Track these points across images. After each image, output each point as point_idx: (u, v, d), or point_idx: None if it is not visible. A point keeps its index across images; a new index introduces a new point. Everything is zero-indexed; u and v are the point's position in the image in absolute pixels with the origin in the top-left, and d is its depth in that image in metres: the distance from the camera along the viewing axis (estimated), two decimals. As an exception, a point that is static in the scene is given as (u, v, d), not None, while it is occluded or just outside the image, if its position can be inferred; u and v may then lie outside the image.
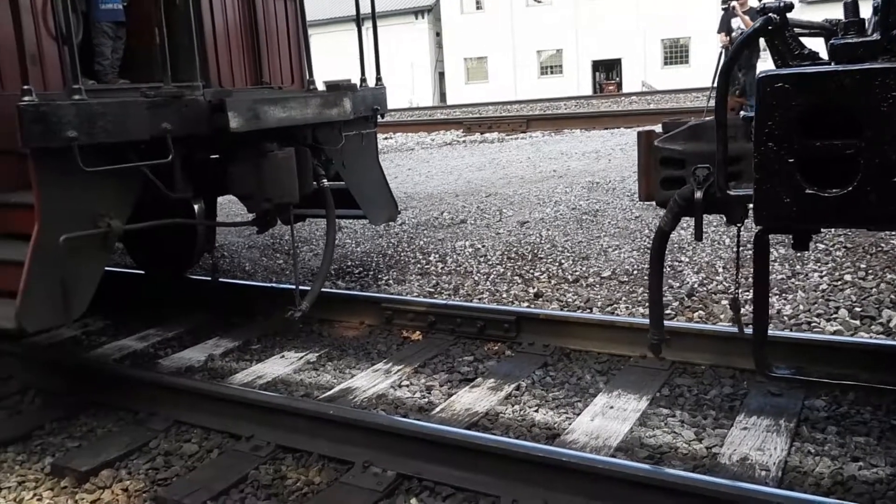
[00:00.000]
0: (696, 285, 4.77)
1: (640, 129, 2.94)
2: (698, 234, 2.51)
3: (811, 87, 2.01)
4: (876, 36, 2.05)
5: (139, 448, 3.39)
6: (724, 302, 4.50)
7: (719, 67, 2.52)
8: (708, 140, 2.34)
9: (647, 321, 4.05)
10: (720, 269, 4.99)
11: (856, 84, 1.96)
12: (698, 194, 2.45)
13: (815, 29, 2.51)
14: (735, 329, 3.90)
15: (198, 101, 3.73)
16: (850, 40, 2.10)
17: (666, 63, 37.65)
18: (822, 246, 5.24)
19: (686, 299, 4.61)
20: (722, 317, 4.31)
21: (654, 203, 2.72)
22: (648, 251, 5.52)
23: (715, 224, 5.81)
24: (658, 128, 2.74)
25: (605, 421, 3.28)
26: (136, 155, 3.56)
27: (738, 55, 2.29)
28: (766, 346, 2.52)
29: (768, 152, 2.08)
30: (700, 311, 4.43)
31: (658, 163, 2.62)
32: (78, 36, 4.27)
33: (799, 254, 5.14)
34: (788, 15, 2.22)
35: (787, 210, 2.09)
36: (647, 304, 4.61)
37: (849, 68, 1.99)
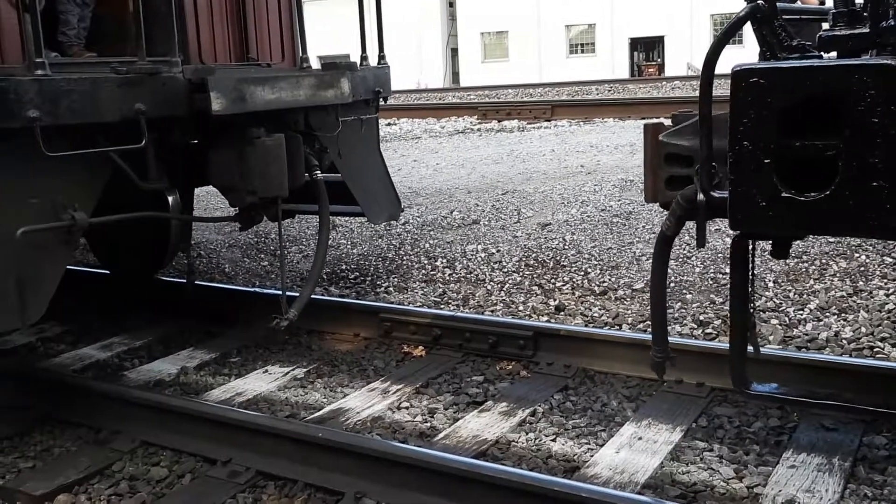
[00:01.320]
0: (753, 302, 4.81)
1: (647, 121, 3.04)
2: (700, 241, 2.59)
3: (787, 83, 2.13)
4: (865, 28, 2.13)
5: (101, 471, 3.45)
6: (775, 321, 4.55)
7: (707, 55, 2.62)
8: (719, 135, 2.43)
9: (685, 342, 4.14)
10: (771, 284, 5.03)
11: (833, 81, 2.07)
12: (701, 196, 2.51)
13: (811, 16, 2.58)
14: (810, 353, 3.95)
15: (176, 79, 3.80)
16: (838, 32, 2.22)
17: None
18: (889, 260, 5.28)
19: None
20: (771, 338, 4.35)
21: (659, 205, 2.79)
22: (688, 261, 5.58)
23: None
24: (668, 120, 2.81)
25: (632, 454, 3.33)
26: (105, 139, 3.63)
27: (721, 46, 2.38)
28: (745, 361, 2.63)
29: (743, 151, 2.21)
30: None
31: (663, 159, 2.68)
32: (41, 2, 4.36)
33: (862, 268, 5.17)
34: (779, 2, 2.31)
35: (763, 214, 2.22)
36: (686, 322, 4.66)
37: (825, 64, 2.11)
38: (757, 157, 2.20)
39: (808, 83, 2.11)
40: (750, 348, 2.81)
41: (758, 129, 2.19)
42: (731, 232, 5.69)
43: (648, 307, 4.90)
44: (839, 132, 2.10)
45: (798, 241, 5.63)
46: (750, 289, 2.89)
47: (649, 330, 4.56)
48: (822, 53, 2.27)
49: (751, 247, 2.62)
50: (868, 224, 2.12)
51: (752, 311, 2.81)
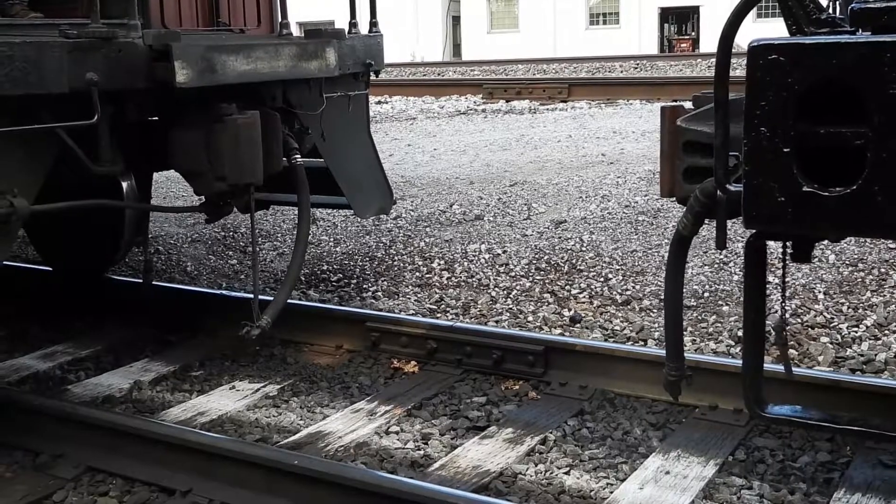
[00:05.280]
0: (787, 315, 4.81)
1: (665, 103, 3.09)
2: (720, 242, 2.63)
3: (811, 61, 2.15)
4: None
5: (39, 501, 3.44)
6: (825, 339, 4.55)
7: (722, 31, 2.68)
8: (740, 121, 2.44)
9: (718, 360, 4.15)
10: (821, 295, 5.03)
11: (862, 60, 2.09)
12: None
13: None
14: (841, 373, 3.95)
15: (134, 46, 3.79)
16: (872, 5, 2.22)
17: (760, 15, 37.70)
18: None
19: (773, 333, 4.64)
20: (820, 359, 4.35)
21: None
22: (724, 266, 5.58)
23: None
24: (689, 103, 2.82)
25: (658, 490, 3.32)
26: (51, 114, 3.62)
27: (740, 18, 2.41)
28: (761, 380, 2.69)
29: (760, 139, 2.23)
30: (791, 350, 4.47)
31: (681, 148, 2.70)
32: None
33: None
34: None
35: (782, 211, 2.24)
36: (722, 338, 4.66)
37: (853, 40, 2.12)
38: (775, 146, 2.22)
39: (834, 61, 2.13)
40: (770, 369, 2.82)
41: (776, 114, 2.21)
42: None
43: (678, 320, 4.90)
44: (868, 118, 2.12)
45: (853, 247, 5.63)
46: (783, 301, 2.93)
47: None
48: (854, 29, 2.30)
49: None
50: None
51: (784, 325, 2.85)
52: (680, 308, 2.91)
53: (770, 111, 2.21)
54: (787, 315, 4.82)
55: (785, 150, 2.21)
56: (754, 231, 2.48)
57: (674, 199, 2.88)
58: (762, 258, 2.60)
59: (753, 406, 2.71)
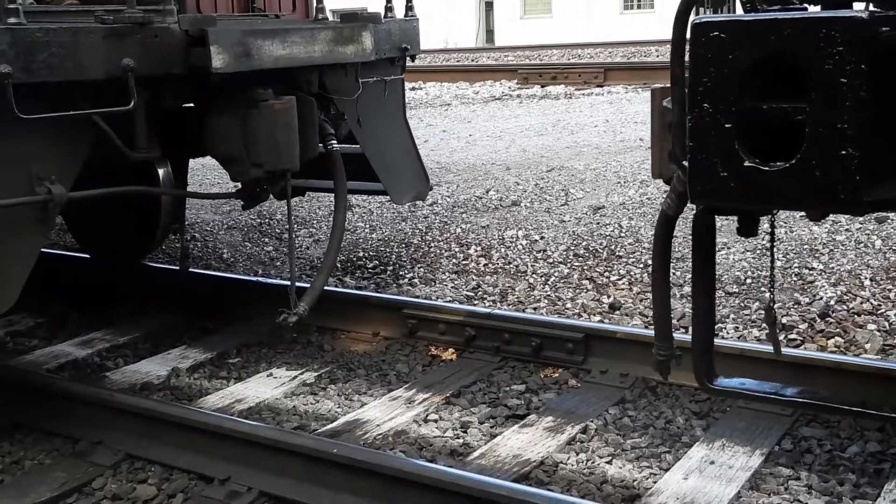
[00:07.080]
0: (832, 302, 4.72)
1: (656, 85, 3.11)
2: None
3: (751, 37, 2.21)
4: None
5: (79, 488, 3.46)
6: (872, 326, 4.45)
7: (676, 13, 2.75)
8: None
9: (764, 348, 4.06)
10: (867, 282, 4.92)
11: (799, 36, 2.15)
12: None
13: None
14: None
15: (170, 31, 3.79)
16: None
17: None
18: None
19: (818, 320, 4.56)
20: (867, 346, 4.26)
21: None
22: (767, 252, 5.47)
23: (860, 221, 5.73)
24: None
25: (702, 481, 3.28)
26: (87, 100, 3.62)
27: None
28: (711, 354, 2.76)
29: (703, 115, 2.30)
30: (837, 338, 4.39)
31: (667, 128, 2.74)
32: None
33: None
34: None
35: (724, 186, 2.31)
36: (765, 324, 4.57)
37: (789, 16, 2.18)
38: (718, 122, 2.27)
39: (773, 38, 2.17)
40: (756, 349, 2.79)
41: (719, 90, 2.26)
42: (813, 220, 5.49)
43: (721, 307, 4.83)
44: (806, 93, 2.16)
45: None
46: (771, 281, 2.94)
47: (723, 334, 4.51)
48: (805, 6, 2.35)
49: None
50: (837, 198, 2.18)
51: (772, 303, 2.90)
52: (667, 288, 2.95)
53: (712, 88, 2.27)
54: (834, 302, 4.72)
55: (727, 125, 2.26)
56: (701, 207, 2.53)
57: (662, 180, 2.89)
58: (711, 234, 2.67)
59: (703, 379, 2.79)
